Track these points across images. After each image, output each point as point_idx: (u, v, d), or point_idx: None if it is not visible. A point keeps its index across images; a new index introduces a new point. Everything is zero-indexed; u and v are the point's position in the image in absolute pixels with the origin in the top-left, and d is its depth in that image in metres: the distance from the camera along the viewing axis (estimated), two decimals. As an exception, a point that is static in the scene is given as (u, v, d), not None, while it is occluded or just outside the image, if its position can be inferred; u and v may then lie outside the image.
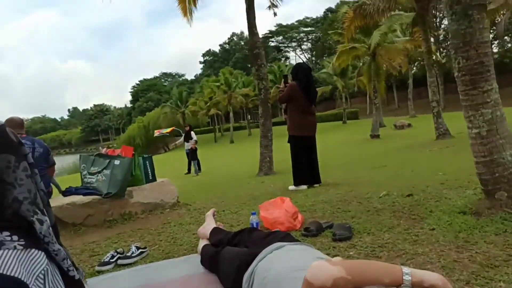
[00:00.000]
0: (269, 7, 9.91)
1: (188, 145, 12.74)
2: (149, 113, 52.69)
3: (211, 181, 8.59)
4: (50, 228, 0.92)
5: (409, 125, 23.54)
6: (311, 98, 5.02)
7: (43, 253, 0.86)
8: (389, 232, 2.53)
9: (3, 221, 0.85)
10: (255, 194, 5.07)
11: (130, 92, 78.93)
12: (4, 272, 0.77)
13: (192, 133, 12.97)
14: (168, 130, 11.37)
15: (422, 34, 12.68)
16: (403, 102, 43.08)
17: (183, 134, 13.64)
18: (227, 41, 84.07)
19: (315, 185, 5.03)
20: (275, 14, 10.14)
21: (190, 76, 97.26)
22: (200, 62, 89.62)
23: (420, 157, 8.30)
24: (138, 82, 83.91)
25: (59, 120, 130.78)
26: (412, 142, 12.83)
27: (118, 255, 2.57)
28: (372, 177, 5.60)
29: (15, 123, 3.93)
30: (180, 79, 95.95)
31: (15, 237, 0.85)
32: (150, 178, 4.42)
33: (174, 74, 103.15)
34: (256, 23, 8.53)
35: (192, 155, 12.47)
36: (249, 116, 51.23)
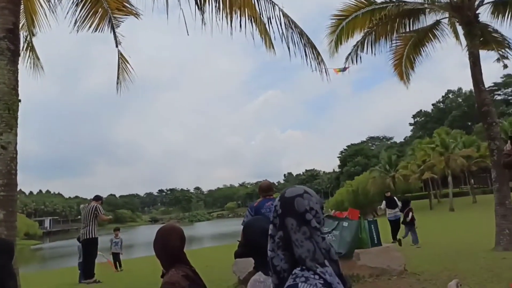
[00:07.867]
0: (498, 59, 8.92)
1: (391, 212, 11.96)
2: (357, 177, 52.82)
3: (434, 251, 7.82)
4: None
5: None
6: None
7: None
8: None
9: (306, 264, 1.16)
10: (496, 271, 4.38)
11: (338, 157, 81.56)
12: None
13: (395, 198, 12.25)
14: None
15: None
16: None
17: (384, 200, 12.90)
18: (441, 99, 78.29)
19: None
20: (505, 66, 9.04)
21: (398, 139, 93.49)
22: (410, 124, 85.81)
23: None
24: (345, 147, 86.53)
25: (276, 183, 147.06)
26: None
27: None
28: None
29: (265, 186, 4.72)
30: (388, 142, 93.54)
31: (316, 276, 1.13)
32: (376, 242, 4.48)
33: (381, 137, 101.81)
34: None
35: (402, 223, 11.66)
36: (472, 180, 44.46)
